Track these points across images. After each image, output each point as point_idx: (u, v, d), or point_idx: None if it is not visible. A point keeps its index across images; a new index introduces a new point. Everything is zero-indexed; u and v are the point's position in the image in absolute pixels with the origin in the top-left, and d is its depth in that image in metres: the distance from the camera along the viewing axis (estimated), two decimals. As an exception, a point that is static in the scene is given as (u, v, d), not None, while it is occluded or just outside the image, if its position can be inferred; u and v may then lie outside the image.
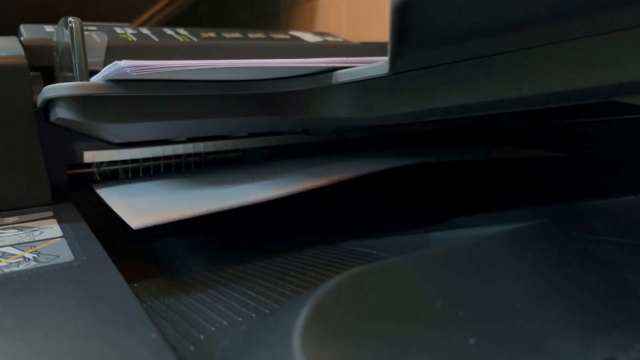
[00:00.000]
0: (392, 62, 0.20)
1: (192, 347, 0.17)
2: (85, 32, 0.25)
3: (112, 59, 0.24)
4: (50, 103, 0.26)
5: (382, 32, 0.54)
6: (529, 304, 0.17)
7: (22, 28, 0.31)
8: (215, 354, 0.16)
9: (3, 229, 0.22)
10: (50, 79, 0.28)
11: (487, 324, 0.16)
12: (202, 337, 0.17)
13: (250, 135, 0.32)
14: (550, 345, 0.16)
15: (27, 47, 0.28)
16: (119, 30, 0.34)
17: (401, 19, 0.17)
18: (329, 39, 0.40)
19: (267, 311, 0.19)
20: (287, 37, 0.40)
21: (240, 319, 0.19)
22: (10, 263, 0.19)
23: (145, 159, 0.30)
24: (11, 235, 0.22)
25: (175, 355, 0.13)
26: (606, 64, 0.17)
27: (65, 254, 0.19)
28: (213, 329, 0.18)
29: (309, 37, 0.40)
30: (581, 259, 0.21)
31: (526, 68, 0.19)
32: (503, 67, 0.19)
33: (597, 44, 0.17)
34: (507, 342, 0.16)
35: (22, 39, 0.29)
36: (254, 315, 0.19)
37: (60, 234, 0.22)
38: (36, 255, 0.19)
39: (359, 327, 0.15)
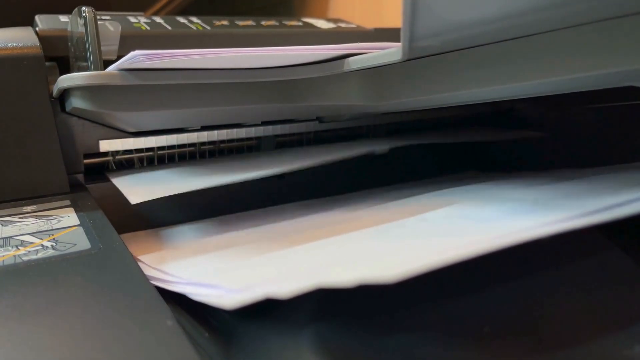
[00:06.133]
0: (406, 48, 0.20)
1: (206, 334, 0.17)
2: (99, 22, 0.25)
3: (126, 48, 0.24)
4: (65, 93, 0.26)
5: (395, 17, 0.54)
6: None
7: (37, 18, 0.31)
8: (229, 341, 0.17)
9: (22, 218, 0.23)
10: (65, 68, 0.29)
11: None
12: (216, 324, 0.18)
13: (264, 123, 0.32)
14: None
15: (43, 38, 0.28)
16: (132, 19, 0.34)
17: (414, 5, 0.17)
18: (342, 25, 0.40)
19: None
20: (300, 24, 0.39)
21: (254, 306, 0.19)
22: (29, 251, 0.19)
23: (160, 148, 0.31)
24: (29, 223, 0.22)
25: (190, 342, 0.13)
26: (624, 49, 0.16)
27: (82, 242, 0.20)
28: (227, 316, 0.18)
29: (322, 24, 0.40)
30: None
31: (544, 52, 0.19)
32: (520, 51, 0.19)
33: (614, 28, 0.16)
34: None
35: (37, 29, 0.29)
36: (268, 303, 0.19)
37: (77, 222, 0.22)
38: (54, 244, 0.20)
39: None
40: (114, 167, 0.30)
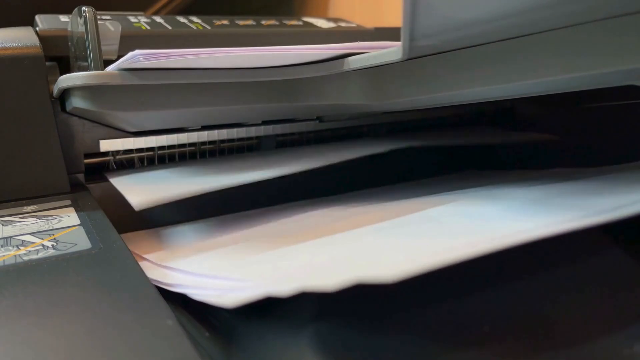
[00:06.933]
0: (406, 47, 0.20)
1: (207, 334, 0.17)
2: (99, 22, 0.25)
3: (126, 48, 0.24)
4: (65, 93, 0.26)
5: (396, 17, 0.54)
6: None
7: (38, 18, 0.31)
8: (229, 340, 0.17)
9: (22, 218, 0.23)
10: (66, 68, 0.29)
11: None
12: (217, 323, 0.18)
13: (264, 122, 0.32)
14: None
15: (43, 37, 0.28)
16: (132, 19, 0.34)
17: (415, 4, 0.17)
18: (342, 24, 0.40)
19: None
20: (300, 23, 0.39)
21: (254, 306, 0.19)
22: (30, 251, 0.19)
23: (161, 147, 0.31)
24: (30, 223, 0.22)
25: (191, 341, 0.13)
26: (624, 48, 0.16)
27: (82, 242, 0.20)
28: (228, 315, 0.18)
29: (322, 23, 0.40)
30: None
31: (544, 51, 0.19)
32: (521, 50, 0.19)
33: (614, 27, 0.16)
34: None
35: (37, 29, 0.29)
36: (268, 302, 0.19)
37: (78, 222, 0.22)
38: (54, 244, 0.20)
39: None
40: (115, 167, 0.30)
